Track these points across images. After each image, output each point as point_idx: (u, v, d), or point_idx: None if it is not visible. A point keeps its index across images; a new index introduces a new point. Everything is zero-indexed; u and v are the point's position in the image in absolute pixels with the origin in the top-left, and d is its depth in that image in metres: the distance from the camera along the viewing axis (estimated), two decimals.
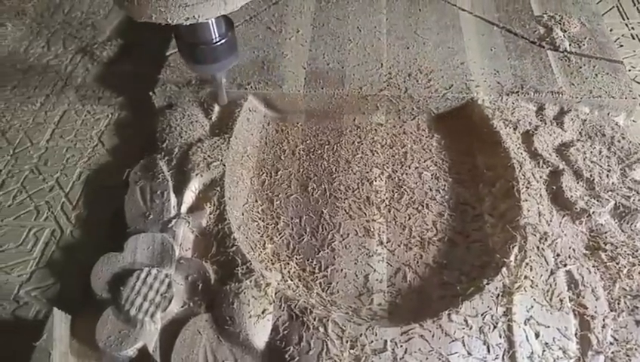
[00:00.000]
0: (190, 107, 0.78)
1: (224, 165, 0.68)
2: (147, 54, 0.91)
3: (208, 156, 0.69)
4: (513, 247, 0.59)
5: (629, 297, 0.56)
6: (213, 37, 0.64)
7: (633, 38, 0.95)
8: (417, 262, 0.62)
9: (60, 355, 0.51)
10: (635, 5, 1.02)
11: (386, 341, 0.51)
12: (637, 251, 0.60)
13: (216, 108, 0.77)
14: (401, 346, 0.51)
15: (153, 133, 0.76)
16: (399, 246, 0.64)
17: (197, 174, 0.67)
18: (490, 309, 0.54)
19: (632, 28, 0.97)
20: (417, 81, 0.78)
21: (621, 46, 0.93)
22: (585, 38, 0.84)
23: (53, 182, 0.74)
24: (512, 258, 0.58)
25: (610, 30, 0.96)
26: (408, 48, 0.84)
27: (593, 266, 0.59)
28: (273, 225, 0.66)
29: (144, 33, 0.98)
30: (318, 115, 0.79)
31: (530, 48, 0.84)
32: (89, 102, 0.87)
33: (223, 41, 0.64)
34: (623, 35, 0.95)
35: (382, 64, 0.81)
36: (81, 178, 0.75)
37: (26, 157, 0.78)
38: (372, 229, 0.65)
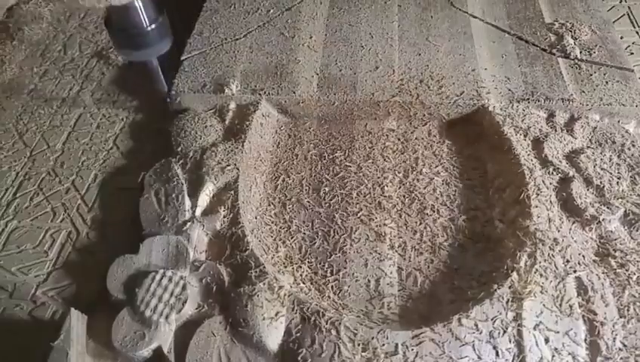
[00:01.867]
0: (204, 111, 0.79)
1: (238, 169, 0.69)
2: (162, 58, 0.92)
3: (222, 160, 0.70)
4: (523, 253, 0.59)
5: (638, 304, 0.56)
6: (144, 22, 0.65)
7: None
8: (428, 266, 0.63)
9: (77, 355, 0.52)
10: None
11: (397, 344, 0.52)
12: None
13: (230, 112, 0.79)
14: (412, 349, 0.52)
15: (168, 136, 0.78)
16: (410, 250, 0.64)
17: (211, 178, 0.68)
18: (500, 314, 0.54)
19: None
20: (429, 87, 0.79)
21: (631, 54, 0.94)
22: (595, 45, 0.84)
23: (69, 184, 0.76)
24: (522, 263, 0.58)
25: (621, 38, 0.96)
26: (420, 55, 0.84)
27: (603, 273, 0.59)
28: (286, 229, 0.67)
29: None
30: (330, 120, 0.80)
31: (541, 55, 0.84)
32: (104, 106, 0.89)
33: (153, 26, 0.66)
34: (633, 43, 0.96)
35: (394, 70, 0.82)
36: (96, 180, 0.76)
37: (42, 159, 0.80)
38: (383, 234, 0.66)
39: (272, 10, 0.95)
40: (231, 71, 0.83)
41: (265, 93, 0.79)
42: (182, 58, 0.86)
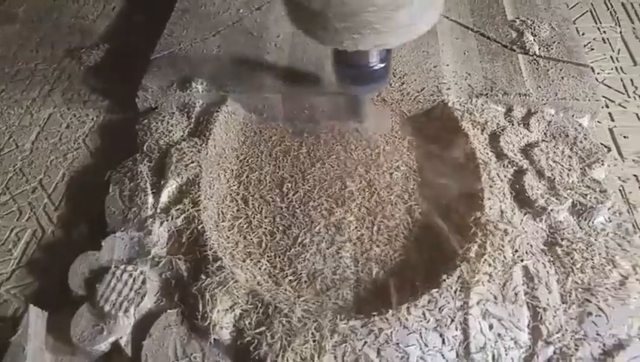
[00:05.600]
0: (171, 110, 0.81)
1: (200, 166, 0.70)
2: (133, 59, 0.94)
3: (186, 157, 0.72)
4: (474, 244, 0.61)
5: (580, 290, 0.59)
6: (373, 61, 0.65)
7: (604, 42, 0.98)
8: (384, 258, 0.65)
9: (35, 350, 0.54)
10: (608, 9, 1.04)
11: (346, 333, 0.54)
12: (591, 246, 0.62)
13: (196, 110, 0.80)
14: (361, 338, 0.53)
15: (137, 135, 0.79)
16: (367, 243, 0.66)
17: (174, 175, 0.69)
18: (448, 303, 0.56)
19: (604, 32, 0.99)
20: (391, 84, 0.81)
21: (592, 49, 0.96)
22: (554, 42, 0.86)
23: (37, 183, 0.77)
24: (472, 254, 0.60)
25: (583, 34, 0.99)
26: None
27: (549, 261, 0.61)
28: (247, 225, 0.68)
29: (130, 38, 1.01)
30: (296, 118, 0.82)
31: (502, 52, 0.86)
32: (75, 106, 0.90)
33: (382, 65, 0.66)
34: (594, 39, 0.98)
35: None
36: (64, 179, 0.78)
37: (10, 159, 0.81)
38: (342, 227, 0.68)
39: (241, 10, 0.96)
40: (198, 70, 0.85)
41: (231, 91, 0.81)
42: (151, 58, 0.88)
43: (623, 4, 1.06)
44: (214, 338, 0.55)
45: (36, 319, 0.56)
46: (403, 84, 0.81)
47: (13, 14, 1.10)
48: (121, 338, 0.56)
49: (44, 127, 0.86)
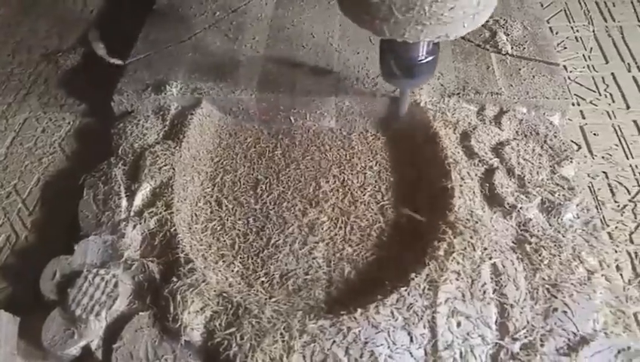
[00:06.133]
0: (147, 113, 0.81)
1: (174, 169, 0.71)
2: (109, 63, 0.94)
3: (160, 160, 0.72)
4: (443, 242, 0.62)
5: (547, 286, 0.60)
6: (421, 54, 0.65)
7: (577, 41, 0.99)
8: (356, 257, 0.65)
9: (6, 355, 0.54)
10: (582, 8, 1.06)
11: (315, 333, 0.54)
12: (559, 243, 0.64)
13: (171, 113, 0.80)
14: (329, 337, 0.54)
15: (112, 138, 0.79)
16: (340, 243, 0.67)
17: (147, 178, 0.70)
18: (417, 301, 0.57)
19: (577, 30, 1.01)
20: (364, 85, 0.81)
21: (565, 48, 0.97)
22: (526, 41, 0.88)
23: (11, 188, 0.77)
24: (440, 252, 0.61)
25: (557, 33, 1.00)
26: (358, 53, 0.87)
27: (518, 258, 0.62)
28: (220, 227, 0.69)
29: (107, 42, 1.01)
30: (271, 119, 0.82)
31: (475, 51, 0.87)
32: (51, 110, 0.90)
33: (430, 59, 0.66)
34: (567, 38, 0.99)
35: (332, 69, 0.84)
36: (39, 184, 0.78)
37: None
38: (315, 228, 0.69)
39: (217, 13, 0.96)
40: (174, 73, 0.85)
41: (205, 93, 0.81)
42: (127, 62, 0.88)
43: (596, 3, 1.07)
44: (185, 340, 0.55)
45: (7, 324, 0.56)
46: (376, 84, 0.81)
47: None
48: (92, 341, 0.56)
49: (20, 132, 0.86)
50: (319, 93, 0.80)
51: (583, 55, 0.96)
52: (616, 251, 0.68)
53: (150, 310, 0.58)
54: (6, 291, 0.65)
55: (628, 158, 0.79)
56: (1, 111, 0.89)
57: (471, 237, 0.63)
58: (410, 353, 0.55)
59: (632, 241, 0.69)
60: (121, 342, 0.55)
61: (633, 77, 0.92)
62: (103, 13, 1.11)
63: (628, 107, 0.87)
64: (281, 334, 0.54)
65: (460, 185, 0.68)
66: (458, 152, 0.73)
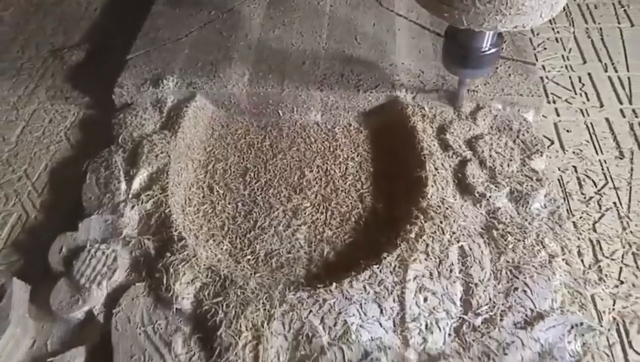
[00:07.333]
0: (145, 105, 0.87)
1: (169, 156, 0.77)
2: (111, 58, 1.00)
3: (156, 148, 0.78)
4: (414, 226, 0.68)
5: (510, 268, 0.65)
6: (485, 46, 0.66)
7: (557, 41, 1.04)
8: (335, 239, 0.71)
9: (18, 317, 0.60)
10: (564, 10, 1.11)
11: (294, 303, 0.60)
12: (524, 230, 0.69)
13: (168, 106, 0.86)
14: (307, 308, 0.60)
15: (113, 128, 0.85)
16: (321, 226, 0.73)
17: (145, 164, 0.76)
18: (387, 278, 0.63)
19: (557, 32, 1.06)
20: (348, 81, 0.87)
21: (545, 49, 1.02)
22: (504, 41, 0.93)
23: (22, 172, 0.83)
24: (412, 235, 0.67)
25: (537, 34, 1.05)
26: (344, 51, 0.92)
27: (485, 242, 0.68)
28: (211, 210, 0.75)
29: (109, 39, 1.07)
30: (260, 113, 0.88)
31: None
32: (58, 102, 0.96)
33: (493, 50, 0.67)
34: (548, 39, 1.04)
35: (319, 66, 0.90)
36: (47, 169, 0.84)
37: None
38: (299, 212, 0.74)
39: (213, 12, 1.02)
40: (170, 68, 0.91)
41: (200, 87, 0.87)
42: (127, 57, 0.94)
43: (578, 5, 1.12)
44: (177, 308, 0.61)
45: (19, 291, 0.62)
46: (360, 81, 0.87)
47: (0, 17, 1.16)
48: (94, 307, 0.63)
49: (29, 122, 0.92)
50: (306, 89, 0.86)
51: (562, 55, 1.01)
52: (578, 238, 0.73)
53: (146, 281, 0.64)
54: (18, 263, 0.71)
55: (597, 154, 0.84)
56: (12, 102, 0.95)
57: (441, 222, 0.68)
58: (380, 323, 0.60)
59: (595, 230, 0.74)
60: (119, 308, 0.61)
61: (609, 77, 0.96)
62: (106, 12, 1.17)
63: (601, 105, 0.91)
64: (263, 303, 0.60)
65: (434, 175, 0.74)
66: (434, 145, 0.78)
